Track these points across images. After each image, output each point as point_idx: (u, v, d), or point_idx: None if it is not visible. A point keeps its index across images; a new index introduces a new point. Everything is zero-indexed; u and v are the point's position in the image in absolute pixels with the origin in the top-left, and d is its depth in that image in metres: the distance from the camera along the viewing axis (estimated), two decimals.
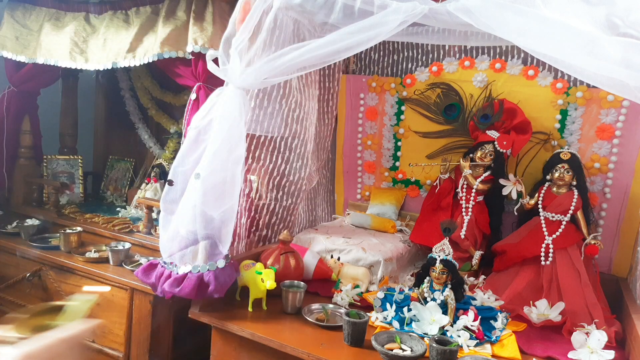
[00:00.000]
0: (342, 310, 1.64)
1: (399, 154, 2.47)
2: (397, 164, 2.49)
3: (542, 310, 1.64)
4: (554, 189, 1.88)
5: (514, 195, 2.00)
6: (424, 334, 1.50)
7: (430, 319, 1.53)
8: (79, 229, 2.30)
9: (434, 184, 2.25)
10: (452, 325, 1.52)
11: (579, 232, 1.83)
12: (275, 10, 1.60)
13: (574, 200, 1.82)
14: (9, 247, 2.30)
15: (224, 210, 1.59)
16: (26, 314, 0.62)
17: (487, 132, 2.08)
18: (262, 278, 1.62)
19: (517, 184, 1.99)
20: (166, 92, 2.95)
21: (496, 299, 1.74)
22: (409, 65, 2.41)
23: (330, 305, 1.70)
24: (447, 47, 2.29)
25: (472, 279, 1.95)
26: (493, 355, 1.42)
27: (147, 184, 2.78)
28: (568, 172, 1.84)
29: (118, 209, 2.81)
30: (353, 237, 2.14)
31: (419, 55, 2.37)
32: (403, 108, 2.41)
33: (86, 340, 0.56)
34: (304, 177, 2.23)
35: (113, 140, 3.30)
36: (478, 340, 1.47)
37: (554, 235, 1.82)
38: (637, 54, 1.14)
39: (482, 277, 1.95)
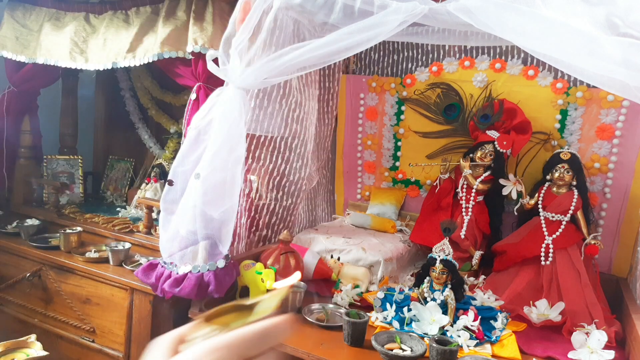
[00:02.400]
0: (342, 310, 1.64)
1: (399, 154, 2.47)
2: (397, 164, 2.48)
3: (542, 310, 1.64)
4: (554, 189, 1.88)
5: (514, 195, 2.00)
6: (424, 334, 1.50)
7: (430, 319, 1.53)
8: (79, 229, 2.30)
9: (434, 184, 2.25)
10: (452, 325, 1.52)
11: (579, 232, 1.83)
12: (275, 10, 1.60)
13: (574, 200, 1.82)
14: (9, 247, 2.30)
15: (224, 210, 1.59)
16: (213, 311, 0.60)
17: (487, 132, 2.08)
18: (262, 278, 1.62)
19: (517, 184, 1.99)
20: (166, 92, 2.94)
21: (496, 299, 1.74)
22: (409, 65, 2.41)
23: (330, 305, 1.70)
24: (447, 47, 2.29)
25: (472, 279, 1.95)
26: (493, 355, 1.42)
27: (147, 184, 2.78)
28: (568, 172, 1.84)
29: (118, 209, 2.81)
30: (353, 237, 2.14)
31: (419, 55, 2.37)
32: (403, 108, 2.41)
33: (279, 336, 0.50)
34: (304, 177, 2.23)
35: (113, 140, 3.29)
36: (478, 340, 1.47)
37: (554, 235, 1.82)
38: (637, 54, 1.14)
39: (482, 277, 1.95)
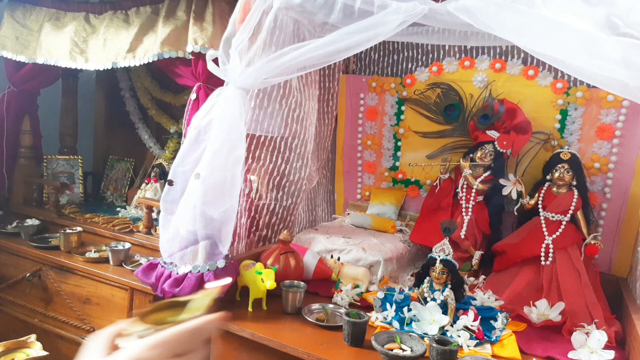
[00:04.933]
0: (342, 310, 1.64)
1: (399, 154, 2.47)
2: (397, 164, 2.49)
3: (542, 310, 1.64)
4: (554, 189, 1.88)
5: (514, 195, 2.00)
6: (424, 334, 1.50)
7: (430, 319, 1.53)
8: (79, 229, 2.30)
9: (434, 184, 2.25)
10: (452, 325, 1.51)
11: (579, 232, 1.83)
12: (275, 10, 1.60)
13: (574, 200, 1.82)
14: (9, 247, 2.30)
15: (224, 210, 1.59)
16: (149, 309, 0.65)
17: (487, 132, 2.08)
18: (262, 278, 1.62)
19: (517, 184, 1.99)
20: (166, 92, 2.95)
21: (496, 299, 1.74)
22: (409, 65, 2.41)
23: (330, 305, 1.70)
24: (447, 47, 2.29)
25: (472, 279, 1.95)
26: (493, 355, 1.42)
27: (147, 184, 2.78)
28: (568, 172, 1.84)
29: (118, 209, 2.81)
30: (353, 237, 2.14)
31: (419, 55, 2.37)
32: (403, 108, 2.41)
33: (210, 333, 0.61)
34: (304, 177, 2.23)
35: (113, 140, 3.30)
36: (478, 340, 1.47)
37: (554, 235, 1.82)
38: (637, 54, 1.14)
39: (482, 277, 1.95)
